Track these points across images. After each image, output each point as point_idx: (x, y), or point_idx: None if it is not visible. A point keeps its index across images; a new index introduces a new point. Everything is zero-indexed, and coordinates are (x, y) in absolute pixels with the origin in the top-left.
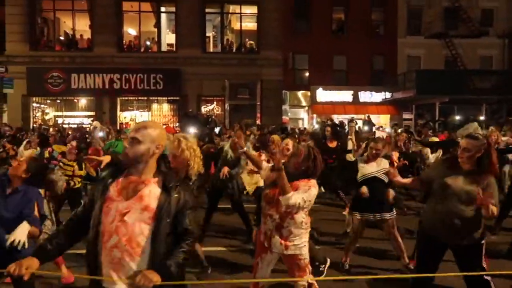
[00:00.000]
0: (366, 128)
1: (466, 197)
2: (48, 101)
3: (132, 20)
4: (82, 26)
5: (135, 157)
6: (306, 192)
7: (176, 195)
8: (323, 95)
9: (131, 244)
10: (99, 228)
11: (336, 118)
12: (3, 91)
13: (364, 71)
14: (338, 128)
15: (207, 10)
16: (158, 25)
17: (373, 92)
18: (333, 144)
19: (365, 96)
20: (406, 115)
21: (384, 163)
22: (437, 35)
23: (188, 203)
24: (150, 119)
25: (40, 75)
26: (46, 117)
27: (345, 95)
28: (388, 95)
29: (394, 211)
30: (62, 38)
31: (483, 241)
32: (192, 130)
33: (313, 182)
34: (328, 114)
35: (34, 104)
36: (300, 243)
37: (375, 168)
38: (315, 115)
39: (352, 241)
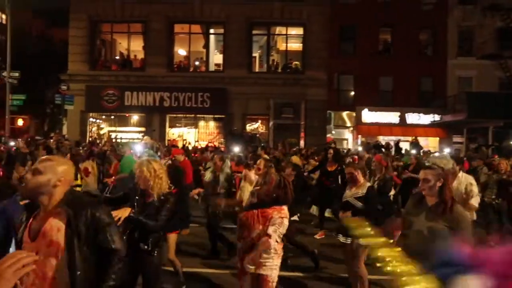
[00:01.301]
0: (413, 151)
1: (429, 234)
2: (103, 116)
3: (182, 41)
4: (136, 47)
5: (35, 188)
6: (280, 227)
7: (85, 218)
8: (369, 115)
9: (45, 280)
10: None
11: (382, 140)
12: (65, 107)
13: (412, 92)
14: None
15: (254, 31)
16: (206, 46)
17: (421, 114)
18: (332, 168)
19: (413, 117)
20: (456, 139)
21: (362, 189)
22: (491, 56)
23: (103, 220)
24: (196, 136)
25: (97, 92)
26: (101, 132)
27: (391, 117)
28: (437, 117)
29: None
30: (117, 58)
31: None
32: (237, 148)
33: (285, 211)
34: (373, 135)
35: (91, 119)
36: (272, 265)
37: (349, 193)
38: (360, 136)
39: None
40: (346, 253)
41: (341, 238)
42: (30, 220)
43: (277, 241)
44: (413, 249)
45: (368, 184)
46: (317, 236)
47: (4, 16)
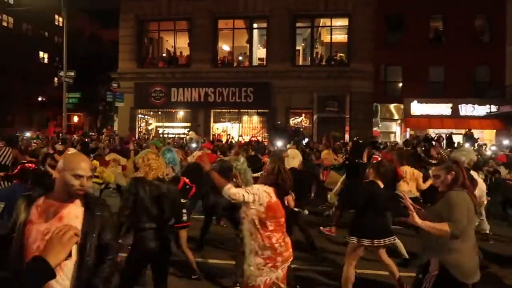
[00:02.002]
0: (467, 144)
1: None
2: (151, 112)
3: (226, 37)
4: (182, 44)
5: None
6: (248, 188)
7: (99, 213)
8: (418, 107)
9: None
10: (23, 250)
11: (433, 132)
12: (115, 104)
13: (465, 82)
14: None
15: (297, 24)
16: (250, 40)
17: (476, 105)
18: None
19: (466, 109)
20: None
21: None
22: None
23: (109, 220)
24: (240, 131)
25: (145, 89)
26: (149, 127)
27: (443, 108)
28: (493, 108)
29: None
30: (164, 55)
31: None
32: (280, 142)
33: (261, 186)
34: (423, 128)
35: (140, 116)
36: (248, 264)
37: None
38: (408, 129)
39: None
40: (347, 251)
41: (347, 236)
42: (38, 202)
43: (251, 226)
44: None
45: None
46: (325, 230)
47: (60, 19)
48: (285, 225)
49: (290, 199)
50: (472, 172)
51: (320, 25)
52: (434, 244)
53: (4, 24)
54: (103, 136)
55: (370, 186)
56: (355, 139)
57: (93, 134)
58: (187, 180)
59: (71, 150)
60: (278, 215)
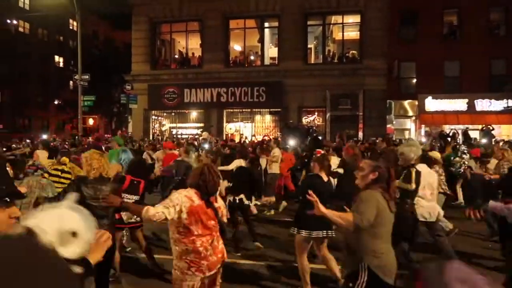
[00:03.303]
0: (484, 140)
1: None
2: (165, 114)
3: (237, 36)
4: (194, 45)
5: None
6: (167, 200)
7: None
8: (433, 103)
9: None
10: None
11: (448, 128)
12: (129, 106)
13: (481, 77)
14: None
15: (309, 22)
16: (261, 40)
17: (493, 100)
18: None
19: (483, 104)
20: None
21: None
22: None
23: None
24: (253, 130)
25: (158, 91)
26: (163, 128)
27: (458, 104)
28: (511, 102)
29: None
30: (176, 56)
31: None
32: (292, 141)
33: (182, 190)
34: (438, 124)
35: (153, 117)
36: (177, 267)
37: None
38: (423, 126)
39: None
40: (295, 243)
41: (291, 229)
42: None
43: (176, 232)
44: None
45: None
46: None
47: (74, 23)
48: (216, 228)
49: (221, 205)
50: (422, 166)
51: (332, 22)
52: (360, 248)
53: (21, 29)
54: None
55: (312, 179)
56: (314, 135)
57: (108, 136)
58: (133, 177)
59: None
60: (203, 218)
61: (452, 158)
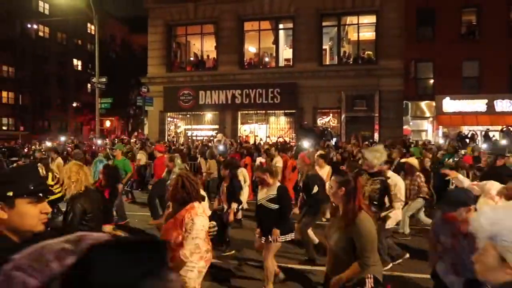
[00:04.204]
0: (504, 141)
1: (334, 247)
2: (180, 115)
3: (252, 38)
4: (209, 47)
5: None
6: (192, 230)
7: None
8: (451, 104)
9: None
10: None
11: (467, 130)
12: (145, 108)
13: (501, 76)
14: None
15: (324, 23)
16: (276, 41)
17: None
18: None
19: (503, 104)
20: None
21: (273, 190)
22: None
23: None
24: (268, 132)
25: (174, 93)
26: (178, 130)
27: (478, 105)
28: None
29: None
30: (192, 59)
31: None
32: (307, 143)
33: (195, 208)
34: (456, 125)
35: (169, 119)
36: (189, 266)
37: (261, 195)
38: (441, 127)
39: None
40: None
41: (257, 232)
42: None
43: (188, 252)
44: (330, 260)
45: (278, 184)
46: None
47: (92, 27)
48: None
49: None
50: (391, 174)
51: (347, 23)
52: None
53: (41, 34)
54: (133, 140)
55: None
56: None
57: (125, 138)
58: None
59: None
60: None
61: (446, 159)
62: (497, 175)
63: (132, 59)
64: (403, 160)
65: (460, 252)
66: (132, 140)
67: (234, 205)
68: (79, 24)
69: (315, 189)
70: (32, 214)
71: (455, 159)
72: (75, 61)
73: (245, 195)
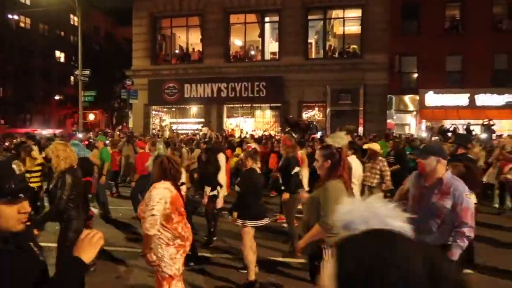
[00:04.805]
0: (484, 135)
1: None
2: (165, 109)
3: (238, 31)
4: (194, 40)
5: None
6: (148, 205)
7: None
8: (434, 98)
9: None
10: None
11: (449, 123)
12: (130, 101)
13: (483, 71)
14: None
15: (310, 17)
16: (262, 34)
17: (495, 95)
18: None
19: (484, 99)
20: None
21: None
22: None
23: None
24: (253, 125)
25: (158, 86)
26: (163, 124)
27: (460, 99)
28: None
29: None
30: (177, 51)
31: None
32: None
33: (158, 184)
34: (438, 119)
35: (153, 112)
36: (161, 255)
37: None
38: (424, 121)
39: None
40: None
41: (230, 218)
42: None
43: (157, 228)
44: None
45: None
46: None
47: (75, 18)
48: (185, 212)
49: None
50: (352, 158)
51: (333, 17)
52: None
53: (22, 25)
54: (117, 133)
55: (250, 173)
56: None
57: (108, 131)
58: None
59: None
60: (179, 206)
61: (408, 152)
62: (456, 161)
63: (117, 52)
64: (365, 146)
65: (417, 208)
66: (116, 133)
67: (207, 189)
68: (62, 15)
69: (296, 169)
70: (8, 215)
71: None
72: (57, 53)
73: (222, 180)
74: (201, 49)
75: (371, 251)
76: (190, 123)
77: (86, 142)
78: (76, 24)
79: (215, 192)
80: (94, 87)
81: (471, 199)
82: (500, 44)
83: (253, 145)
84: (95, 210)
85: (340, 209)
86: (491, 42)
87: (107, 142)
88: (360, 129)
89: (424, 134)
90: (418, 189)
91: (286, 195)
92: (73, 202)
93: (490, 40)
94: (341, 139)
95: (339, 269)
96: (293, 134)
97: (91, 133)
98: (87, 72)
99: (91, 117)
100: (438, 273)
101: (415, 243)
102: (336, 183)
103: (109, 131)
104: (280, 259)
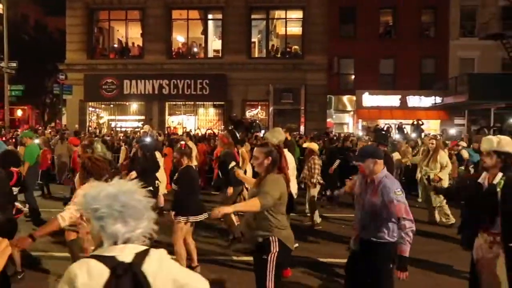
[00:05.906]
0: (413, 134)
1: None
2: (103, 105)
3: (180, 27)
4: (134, 34)
5: None
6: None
7: None
8: (369, 99)
9: None
10: None
11: (383, 123)
12: (63, 97)
13: (413, 75)
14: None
15: (253, 16)
16: (205, 32)
17: (422, 97)
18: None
19: (414, 100)
20: (458, 121)
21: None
22: (493, 36)
23: None
24: (196, 123)
25: (95, 81)
26: (101, 121)
27: (392, 100)
28: (438, 99)
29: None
30: (116, 46)
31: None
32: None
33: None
34: (374, 119)
35: (90, 109)
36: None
37: None
38: (360, 120)
39: None
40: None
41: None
42: None
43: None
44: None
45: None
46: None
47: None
48: None
49: None
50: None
51: (275, 17)
52: (268, 226)
53: None
54: (48, 131)
55: (189, 170)
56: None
57: (40, 128)
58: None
59: None
60: None
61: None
62: None
63: (49, 43)
64: (304, 145)
65: (361, 206)
66: (47, 131)
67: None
68: None
69: (232, 163)
70: None
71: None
72: None
73: (162, 177)
74: (141, 44)
75: None
76: (130, 120)
77: (11, 140)
78: (1, 11)
79: (151, 188)
80: (22, 80)
81: (402, 195)
82: (427, 50)
83: (189, 143)
84: (25, 209)
85: (86, 195)
86: (419, 48)
87: (36, 140)
88: (302, 128)
89: (360, 133)
90: (361, 187)
91: (230, 190)
92: None
93: (418, 45)
94: (279, 134)
95: None
96: (237, 133)
97: (19, 130)
98: (14, 64)
99: (19, 113)
100: None
101: None
102: (278, 178)
103: (40, 128)
104: (222, 257)
